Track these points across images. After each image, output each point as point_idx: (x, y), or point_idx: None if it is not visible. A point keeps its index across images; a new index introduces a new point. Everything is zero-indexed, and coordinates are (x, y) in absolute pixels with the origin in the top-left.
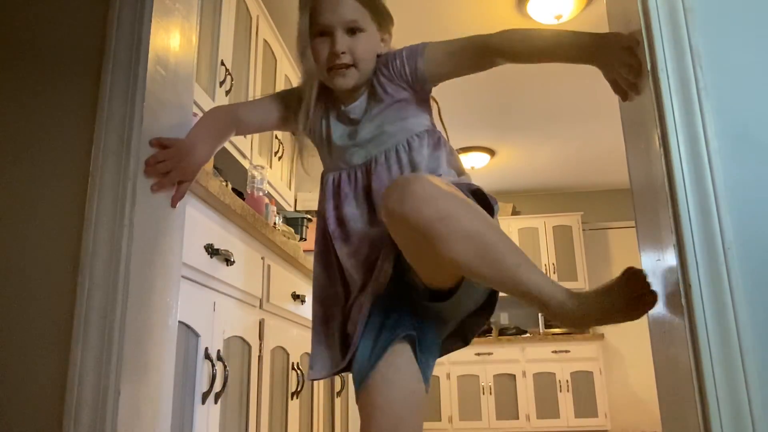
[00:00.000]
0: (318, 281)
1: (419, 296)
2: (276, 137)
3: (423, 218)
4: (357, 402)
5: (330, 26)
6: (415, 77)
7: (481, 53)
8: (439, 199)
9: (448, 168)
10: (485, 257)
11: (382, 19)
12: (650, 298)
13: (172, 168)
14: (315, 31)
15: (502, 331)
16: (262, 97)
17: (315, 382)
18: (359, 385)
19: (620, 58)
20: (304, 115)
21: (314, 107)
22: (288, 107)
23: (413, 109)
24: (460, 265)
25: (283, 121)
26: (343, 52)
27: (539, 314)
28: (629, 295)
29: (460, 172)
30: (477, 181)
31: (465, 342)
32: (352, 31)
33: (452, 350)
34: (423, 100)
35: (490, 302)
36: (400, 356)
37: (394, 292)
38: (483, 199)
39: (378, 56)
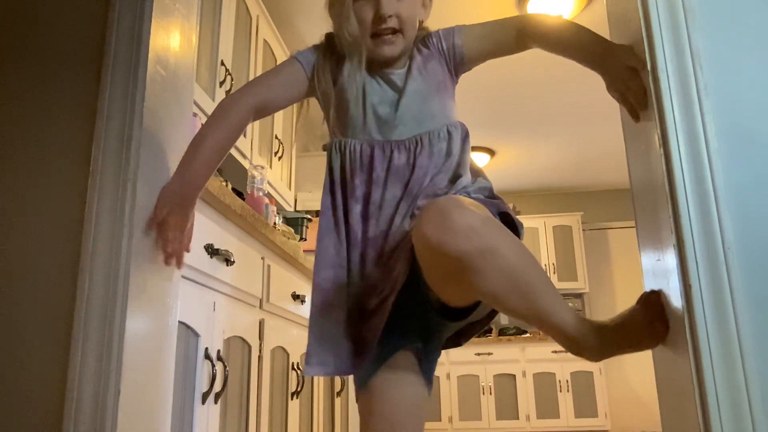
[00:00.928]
0: (321, 264)
1: (432, 310)
2: (276, 137)
3: (462, 251)
4: (357, 401)
5: None
6: (453, 54)
7: (518, 34)
8: (481, 232)
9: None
10: (519, 293)
11: None
12: (662, 326)
13: (180, 238)
14: None
15: (502, 331)
16: (279, 70)
17: (315, 382)
18: (360, 386)
19: (623, 76)
20: (353, 76)
21: (352, 64)
22: (314, 69)
23: (450, 96)
24: (491, 297)
25: (311, 89)
26: (390, 16)
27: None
28: (647, 322)
29: (477, 171)
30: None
31: (458, 344)
32: None
33: (446, 348)
34: (453, 91)
35: (492, 311)
36: (404, 362)
37: (405, 294)
38: (510, 222)
39: (418, 26)
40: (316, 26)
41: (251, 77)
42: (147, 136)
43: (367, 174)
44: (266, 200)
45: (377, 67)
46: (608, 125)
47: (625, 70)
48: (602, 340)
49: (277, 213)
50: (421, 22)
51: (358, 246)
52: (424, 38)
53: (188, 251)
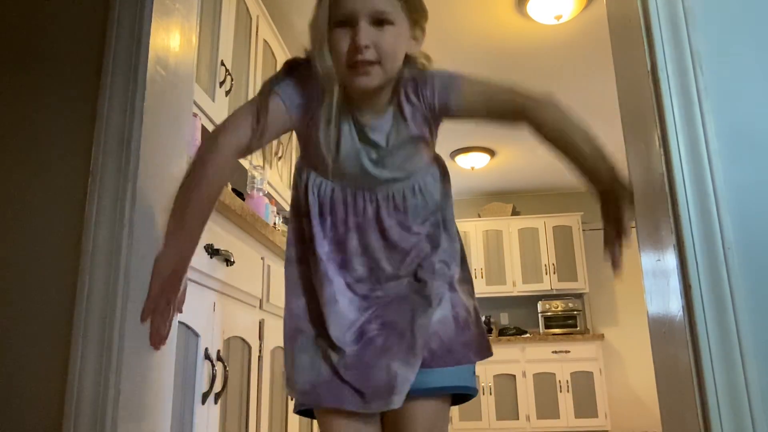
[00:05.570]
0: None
1: None
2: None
3: None
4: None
5: (353, 15)
6: (444, 111)
7: (516, 110)
8: None
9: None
10: None
11: (417, 14)
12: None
13: (170, 316)
14: (335, 20)
15: (502, 331)
16: (259, 108)
17: None
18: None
19: (611, 207)
20: (326, 125)
21: (326, 101)
22: (291, 103)
23: (429, 147)
24: None
25: (291, 123)
26: (366, 46)
27: (539, 314)
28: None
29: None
30: (476, 182)
31: None
32: (380, 22)
33: None
34: (434, 140)
35: None
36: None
37: None
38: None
39: (407, 58)
40: None
41: (251, 77)
42: (147, 136)
43: (333, 214)
44: (266, 200)
45: (357, 106)
46: (608, 125)
47: (613, 203)
48: None
49: (277, 213)
50: (410, 57)
51: (329, 293)
52: (415, 85)
53: (180, 312)
